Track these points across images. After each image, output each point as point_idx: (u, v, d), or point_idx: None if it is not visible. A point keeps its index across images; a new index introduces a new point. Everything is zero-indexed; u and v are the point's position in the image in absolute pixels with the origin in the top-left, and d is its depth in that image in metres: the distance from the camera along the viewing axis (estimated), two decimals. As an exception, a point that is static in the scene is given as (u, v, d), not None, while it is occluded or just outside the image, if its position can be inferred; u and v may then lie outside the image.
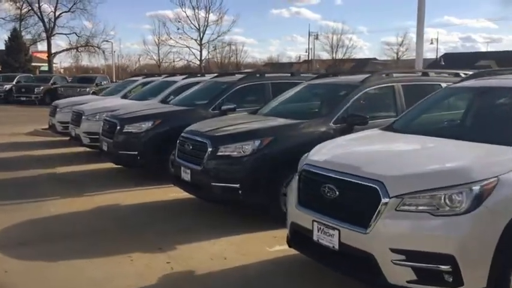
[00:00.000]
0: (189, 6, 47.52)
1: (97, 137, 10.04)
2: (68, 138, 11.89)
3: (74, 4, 47.32)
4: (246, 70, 23.96)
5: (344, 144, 4.57)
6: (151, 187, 7.91)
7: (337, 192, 3.76)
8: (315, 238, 3.94)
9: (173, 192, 7.33)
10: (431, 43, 67.27)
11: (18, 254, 5.06)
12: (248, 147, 5.81)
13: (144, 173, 8.66)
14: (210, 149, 5.96)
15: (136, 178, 8.51)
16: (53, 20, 47.94)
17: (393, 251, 3.39)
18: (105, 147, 8.84)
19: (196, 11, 44.99)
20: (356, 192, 3.67)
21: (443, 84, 7.16)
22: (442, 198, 3.35)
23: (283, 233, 5.55)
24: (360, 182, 3.62)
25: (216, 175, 5.92)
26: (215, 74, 11.04)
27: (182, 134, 6.69)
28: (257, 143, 5.82)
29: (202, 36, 45.33)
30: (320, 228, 3.88)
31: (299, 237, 4.25)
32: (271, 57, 76.28)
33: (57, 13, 47.87)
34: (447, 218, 3.32)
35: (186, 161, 6.38)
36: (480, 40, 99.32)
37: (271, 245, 5.31)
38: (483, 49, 68.93)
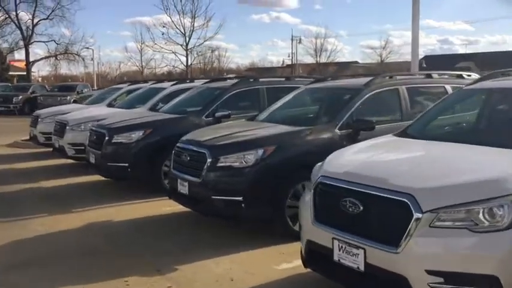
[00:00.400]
0: (174, 11, 46.81)
1: (82, 148, 9.59)
2: (50, 149, 11.38)
3: (52, 11, 46.36)
4: (229, 76, 23.60)
5: (361, 153, 4.22)
6: (143, 201, 7.48)
7: (361, 207, 3.41)
8: (335, 258, 3.58)
9: (167, 206, 6.93)
10: (412, 45, 67.17)
11: (6, 281, 4.62)
12: (250, 157, 5.44)
13: (134, 185, 8.23)
14: (209, 160, 5.57)
15: (125, 191, 8.07)
16: (30, 27, 46.91)
17: (430, 272, 3.05)
18: (92, 159, 8.38)
19: (182, 15, 44.18)
20: (383, 206, 3.32)
21: (447, 86, 6.94)
22: (481, 212, 3.03)
23: (289, 248, 5.24)
24: (387, 195, 3.28)
25: (216, 187, 5.53)
26: (205, 80, 10.65)
27: (178, 144, 6.29)
28: (260, 152, 5.45)
29: (188, 41, 44.60)
30: (342, 246, 3.53)
31: (316, 257, 3.89)
32: (253, 62, 76.07)
33: (35, 21, 46.80)
34: (488, 234, 3.00)
35: (183, 172, 5.98)
36: (457, 42, 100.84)
37: (278, 262, 4.94)
38: (461, 51, 69.69)
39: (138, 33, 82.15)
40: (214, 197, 5.50)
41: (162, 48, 44.35)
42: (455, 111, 5.12)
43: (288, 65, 63.75)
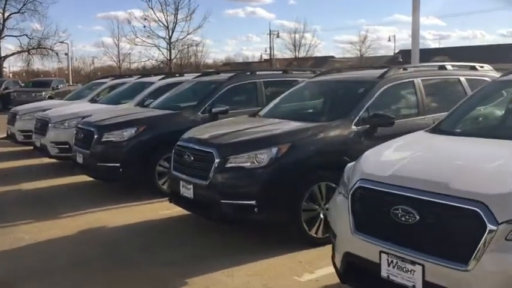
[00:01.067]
0: (156, 3, 45.18)
1: (66, 146, 9.01)
2: (30, 148, 10.67)
3: (24, 5, 44.87)
4: (209, 70, 22.95)
5: (401, 152, 3.76)
6: (137, 203, 6.93)
7: (418, 217, 2.95)
8: (383, 274, 3.12)
9: (164, 209, 6.42)
10: (389, 40, 68.03)
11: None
12: (264, 156, 4.94)
13: (125, 187, 7.66)
14: (217, 160, 5.05)
15: (116, 193, 7.51)
16: (1, 21, 45.29)
17: (509, 295, 2.62)
18: (80, 159, 7.75)
19: (164, 7, 42.58)
20: (447, 216, 2.87)
21: (462, 78, 6.58)
22: None
23: (307, 255, 4.78)
24: (453, 203, 2.82)
25: (225, 191, 5.02)
26: (197, 74, 10.09)
27: (179, 143, 5.75)
28: (274, 151, 4.96)
29: (171, 34, 43.19)
30: (392, 261, 3.07)
31: (357, 272, 3.42)
32: (228, 57, 75.19)
33: (6, 14, 45.29)
34: None
35: (186, 174, 5.44)
36: (429, 37, 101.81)
37: (299, 273, 4.47)
38: (433, 45, 70.49)
39: (115, 28, 79.98)
40: (223, 201, 4.99)
41: (144, 41, 42.80)
42: (491, 105, 4.70)
43: (265, 60, 63.23)
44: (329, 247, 4.70)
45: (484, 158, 3.35)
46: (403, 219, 3.01)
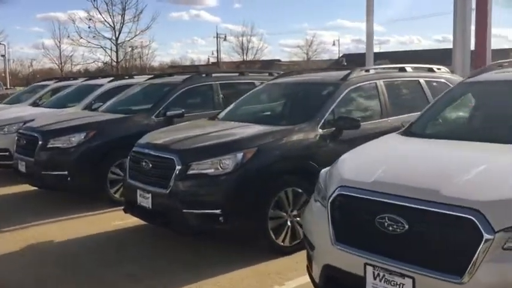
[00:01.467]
0: (102, 2, 43.51)
1: (6, 154, 8.36)
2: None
3: (-44, 4, 42.36)
4: (155, 73, 22.38)
5: (380, 157, 3.58)
6: (88, 213, 6.47)
7: (407, 226, 2.76)
8: None
9: (117, 219, 6.02)
10: (334, 44, 69.55)
11: None
12: (228, 162, 4.66)
13: (74, 195, 7.15)
14: (178, 167, 4.72)
15: (64, 203, 6.99)
16: None
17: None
18: (22, 168, 7.17)
19: (111, 6, 41.02)
20: (439, 225, 2.69)
21: (421, 80, 6.57)
22: None
23: (276, 266, 4.55)
24: (445, 211, 2.65)
25: (188, 199, 4.69)
26: (148, 76, 9.66)
27: (135, 149, 5.36)
28: (239, 156, 4.68)
29: (118, 35, 41.68)
30: (379, 274, 2.87)
31: (338, 285, 3.20)
32: (173, 60, 74.06)
33: None
34: None
35: (143, 182, 5.07)
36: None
37: (268, 285, 4.22)
38: (374, 50, 72.52)
39: (56, 28, 76.85)
40: (186, 211, 4.66)
41: (90, 42, 41.12)
42: (459, 106, 4.63)
43: (213, 63, 62.87)
44: (298, 256, 4.55)
45: (466, 162, 3.21)
46: (390, 228, 2.81)
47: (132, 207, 5.26)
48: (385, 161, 3.40)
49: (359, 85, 5.84)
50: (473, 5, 10.01)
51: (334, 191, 3.20)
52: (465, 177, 2.84)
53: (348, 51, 68.91)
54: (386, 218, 2.83)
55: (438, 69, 7.15)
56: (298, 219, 4.83)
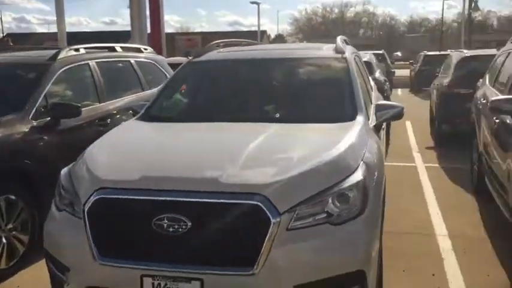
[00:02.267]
0: None
1: None
2: None
3: None
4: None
5: (135, 148, 3.09)
6: None
7: (190, 224, 2.43)
8: (150, 303, 2.49)
9: None
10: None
11: None
12: None
13: None
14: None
15: None
16: None
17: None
18: None
19: None
20: (224, 216, 2.41)
21: (132, 60, 6.30)
22: (330, 200, 2.57)
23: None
24: (228, 200, 2.43)
25: None
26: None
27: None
28: None
29: None
30: (159, 284, 2.49)
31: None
32: None
33: None
34: (346, 224, 2.56)
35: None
36: (35, 21, 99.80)
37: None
38: (39, 30, 69.26)
39: None
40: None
41: None
42: (193, 85, 4.43)
43: None
44: (18, 280, 3.73)
45: (234, 144, 3.03)
46: (171, 229, 2.44)
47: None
48: (145, 152, 2.98)
49: (71, 66, 5.09)
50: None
51: (90, 196, 2.61)
52: (240, 160, 2.68)
53: (11, 30, 63.09)
54: (166, 218, 2.44)
55: (145, 49, 6.98)
56: (14, 232, 3.97)
